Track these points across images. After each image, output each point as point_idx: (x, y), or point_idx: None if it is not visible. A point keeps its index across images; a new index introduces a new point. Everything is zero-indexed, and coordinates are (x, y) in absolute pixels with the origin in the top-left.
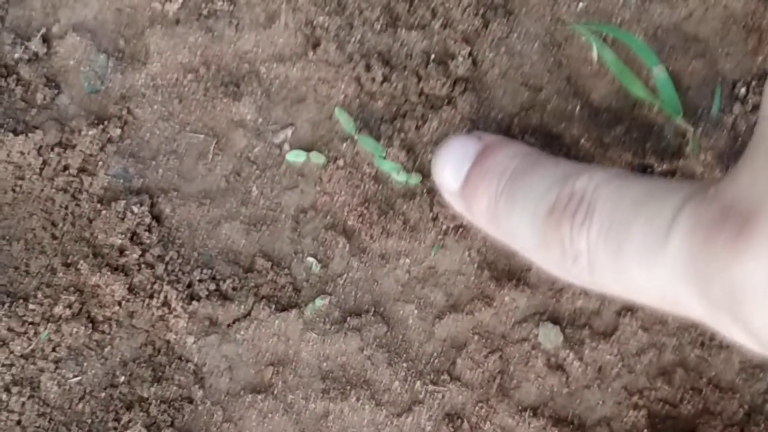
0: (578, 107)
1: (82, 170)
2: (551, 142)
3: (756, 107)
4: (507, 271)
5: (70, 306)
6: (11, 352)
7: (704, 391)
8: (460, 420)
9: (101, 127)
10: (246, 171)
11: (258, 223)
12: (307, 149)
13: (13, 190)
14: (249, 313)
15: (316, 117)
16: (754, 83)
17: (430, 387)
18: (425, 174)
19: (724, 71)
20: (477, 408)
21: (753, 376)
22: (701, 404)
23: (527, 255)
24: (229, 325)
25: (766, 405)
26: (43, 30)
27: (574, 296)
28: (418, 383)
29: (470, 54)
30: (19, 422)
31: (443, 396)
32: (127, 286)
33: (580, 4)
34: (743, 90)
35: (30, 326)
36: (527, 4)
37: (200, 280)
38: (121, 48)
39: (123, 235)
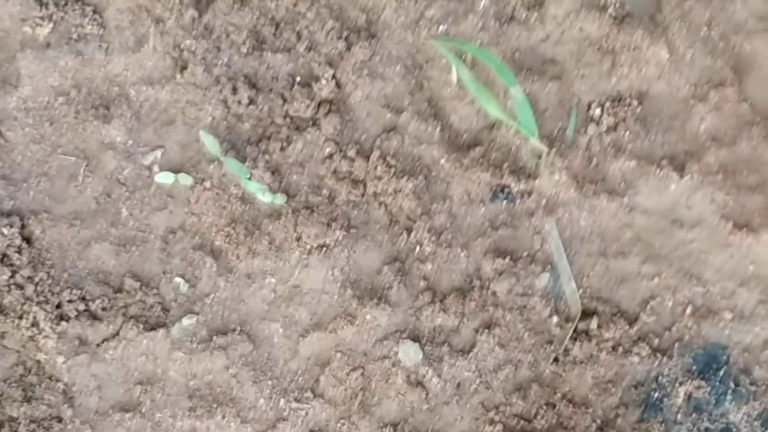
0: (438, 129)
1: None
2: (412, 164)
3: (611, 128)
4: (369, 289)
5: None
6: None
7: (558, 406)
8: None
9: None
10: (116, 192)
11: (127, 244)
12: (176, 171)
13: None
14: (118, 333)
15: (185, 139)
16: (608, 104)
17: (294, 404)
18: (290, 194)
19: (580, 93)
20: (339, 425)
21: (605, 391)
22: (555, 419)
23: None
24: (98, 345)
25: (618, 419)
26: None
27: (434, 314)
28: (283, 400)
29: (334, 76)
30: None
31: (306, 413)
32: None
33: (441, 27)
34: (598, 111)
35: None
36: (389, 28)
37: (70, 301)
38: None
39: None
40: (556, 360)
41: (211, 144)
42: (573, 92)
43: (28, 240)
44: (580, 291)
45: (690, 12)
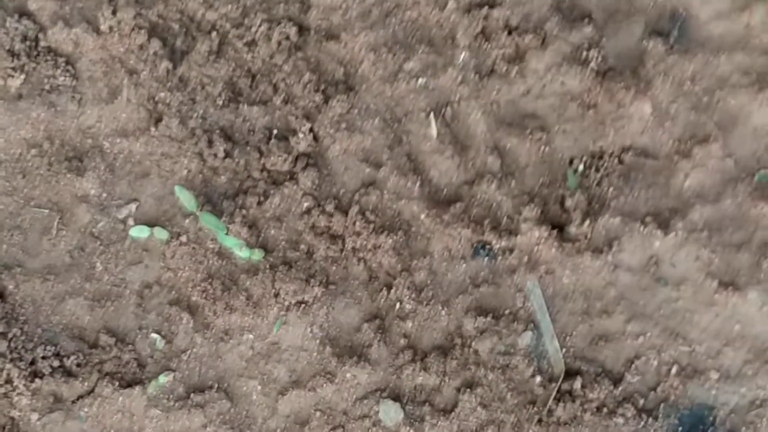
0: (418, 184)
1: None
2: (391, 219)
3: (593, 185)
4: (348, 347)
5: None
6: None
7: None
8: None
9: None
10: (90, 246)
11: (102, 299)
12: (151, 224)
13: None
14: (93, 390)
15: (160, 192)
16: (590, 160)
17: None
18: (268, 249)
19: (562, 148)
20: None
21: None
22: None
23: None
24: (73, 402)
25: None
26: None
27: (415, 373)
28: None
29: (311, 130)
30: None
31: None
32: None
33: (420, 80)
34: (581, 167)
35: None
36: (367, 81)
37: (44, 357)
38: None
39: None
40: (539, 421)
41: (186, 199)
42: (554, 147)
43: (1, 295)
44: (564, 350)
45: (673, 66)
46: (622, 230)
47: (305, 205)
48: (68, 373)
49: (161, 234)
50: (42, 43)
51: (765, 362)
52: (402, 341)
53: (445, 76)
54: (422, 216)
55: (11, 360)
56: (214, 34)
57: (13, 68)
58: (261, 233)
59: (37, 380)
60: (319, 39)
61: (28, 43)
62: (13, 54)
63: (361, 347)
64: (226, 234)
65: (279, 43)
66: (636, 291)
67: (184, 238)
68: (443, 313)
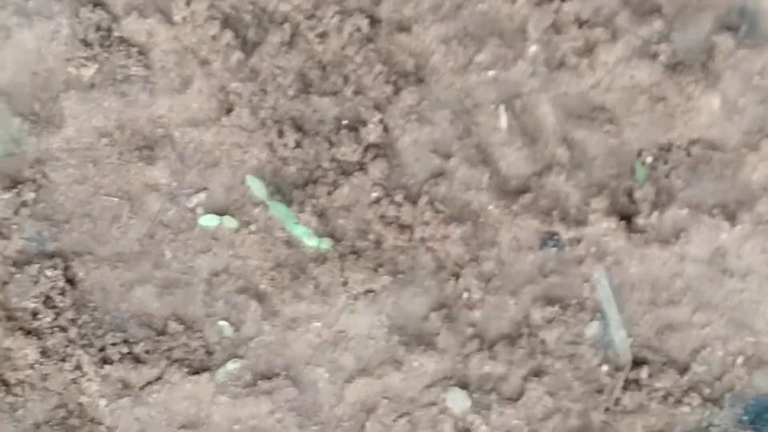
0: (487, 175)
1: None
2: (460, 210)
3: (662, 177)
4: (416, 335)
5: None
6: None
7: None
8: None
9: (15, 190)
10: (159, 234)
11: (171, 286)
12: (221, 213)
13: None
14: (161, 376)
15: (230, 181)
16: (659, 152)
17: None
18: (336, 238)
19: (630, 140)
20: None
21: None
22: None
23: None
24: (141, 388)
25: None
26: None
27: (482, 361)
28: None
29: (381, 121)
30: None
31: None
32: (40, 349)
33: (490, 73)
34: (649, 159)
35: None
36: (437, 73)
37: (113, 344)
38: (37, 111)
39: (36, 299)
40: (606, 409)
41: (257, 188)
42: (623, 140)
43: (71, 282)
44: (630, 340)
45: (742, 61)
46: (690, 222)
47: (374, 195)
48: (137, 360)
49: (230, 223)
50: (115, 33)
51: None
52: (469, 330)
53: (515, 68)
54: (491, 206)
55: (81, 346)
56: (286, 25)
57: (86, 58)
58: (330, 223)
59: (106, 366)
60: (391, 31)
61: (101, 33)
62: (86, 44)
63: (428, 336)
64: (296, 223)
65: (351, 35)
66: (702, 282)
67: (253, 227)
68: (511, 302)
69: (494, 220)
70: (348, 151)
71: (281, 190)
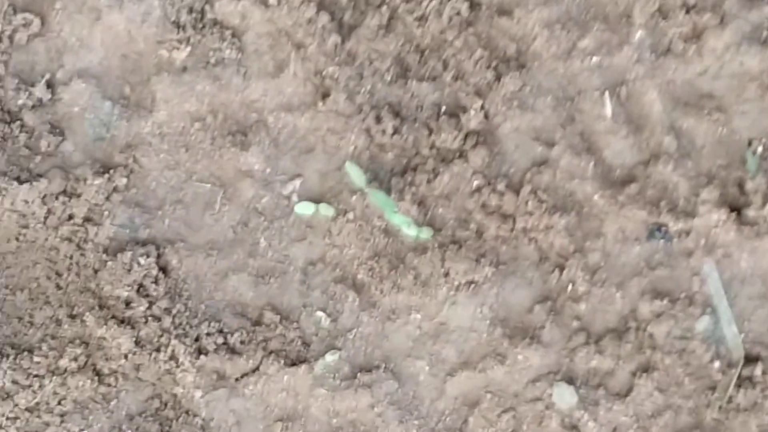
0: (591, 163)
1: (87, 220)
2: (564, 199)
3: None
4: (520, 328)
5: (75, 359)
6: (16, 405)
7: None
8: None
9: (107, 176)
10: (254, 222)
11: (266, 275)
12: (316, 201)
13: (17, 239)
14: (258, 368)
15: (325, 168)
16: None
17: None
18: (436, 228)
19: (740, 129)
20: None
21: None
22: None
23: None
24: (237, 380)
25: None
26: (48, 75)
27: (589, 356)
28: None
29: (482, 107)
30: None
31: None
32: (133, 338)
33: (594, 59)
34: (760, 149)
35: (35, 379)
36: (540, 58)
37: (208, 334)
38: (127, 95)
39: (129, 287)
40: (719, 407)
41: (356, 175)
42: (733, 129)
43: (164, 270)
44: (742, 335)
45: None
46: None
47: (475, 183)
48: (232, 351)
49: (327, 210)
50: (208, 16)
51: None
52: (575, 323)
53: (620, 54)
54: (596, 196)
55: (175, 336)
56: (384, 8)
57: (179, 41)
58: (429, 211)
59: (201, 357)
60: (491, 15)
61: (194, 15)
62: (178, 26)
63: (532, 329)
64: (395, 212)
65: (450, 19)
66: None
67: (350, 215)
68: (617, 295)
69: (599, 210)
70: (448, 138)
71: (379, 178)
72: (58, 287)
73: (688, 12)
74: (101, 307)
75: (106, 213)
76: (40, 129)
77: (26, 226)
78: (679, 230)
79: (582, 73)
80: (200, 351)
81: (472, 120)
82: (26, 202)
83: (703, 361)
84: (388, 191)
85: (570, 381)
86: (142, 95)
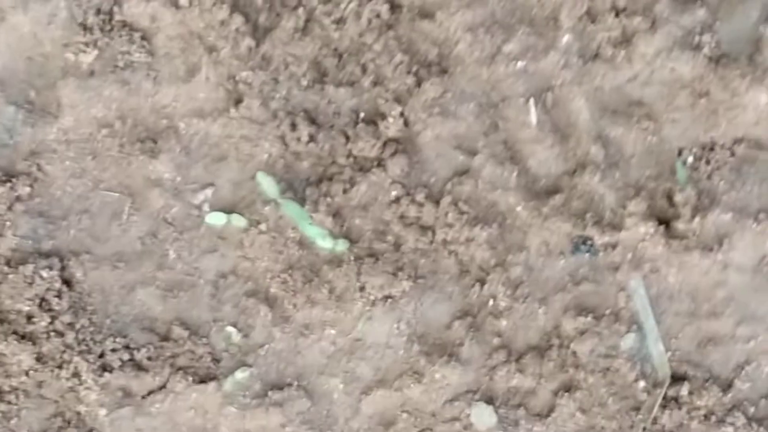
0: (515, 173)
1: None
2: (485, 211)
3: (703, 178)
4: (438, 345)
5: None
6: None
7: None
8: None
9: (9, 184)
10: (163, 232)
11: (175, 289)
12: (228, 211)
13: None
14: (165, 385)
15: (238, 176)
16: (700, 152)
17: None
18: (353, 240)
19: (670, 138)
20: None
21: None
22: None
23: None
24: (143, 397)
25: None
26: None
27: (509, 374)
28: None
29: (402, 114)
30: None
31: None
32: (35, 355)
33: (519, 63)
34: (690, 159)
35: None
36: (462, 63)
37: (113, 350)
38: (32, 100)
39: (31, 301)
40: (643, 429)
41: (268, 186)
42: (662, 138)
43: (68, 283)
44: (669, 354)
45: None
46: (734, 227)
47: (394, 193)
48: (138, 367)
49: (239, 221)
50: (117, 17)
51: None
52: (495, 340)
53: (546, 59)
54: (519, 208)
55: (79, 352)
56: (300, 10)
57: (86, 43)
58: (345, 223)
59: (105, 374)
60: (412, 17)
61: (101, 16)
62: (85, 28)
63: (451, 346)
64: (310, 223)
65: (369, 21)
66: (747, 292)
67: (263, 227)
68: (540, 311)
69: (522, 222)
70: (366, 146)
71: (293, 187)
72: None
73: (617, 15)
74: (2, 321)
75: (8, 223)
76: None
77: None
78: (604, 243)
79: (506, 79)
80: (105, 368)
81: (391, 127)
82: None
83: (627, 380)
84: (303, 201)
85: (489, 400)
86: (48, 100)
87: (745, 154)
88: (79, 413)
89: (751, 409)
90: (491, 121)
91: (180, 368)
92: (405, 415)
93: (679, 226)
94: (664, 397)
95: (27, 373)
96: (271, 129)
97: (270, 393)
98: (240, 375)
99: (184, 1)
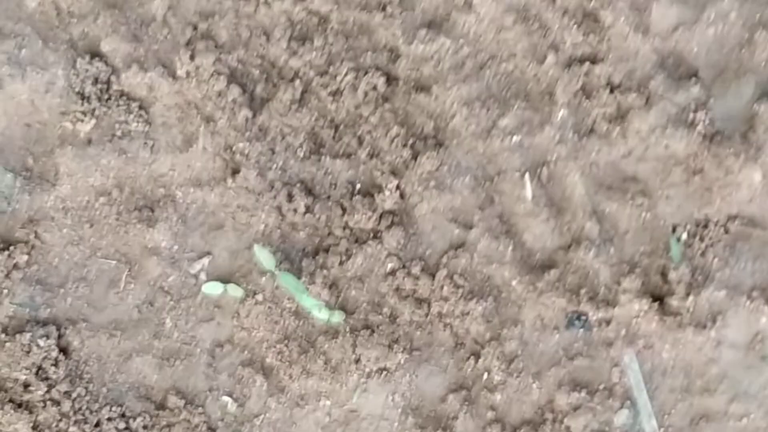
0: (510, 248)
1: None
2: (481, 284)
3: (697, 255)
4: (433, 418)
5: None
6: None
7: None
8: None
9: (7, 252)
10: (160, 301)
11: (171, 357)
12: (225, 280)
13: None
14: None
15: (235, 246)
16: (694, 229)
17: None
18: (348, 311)
19: (664, 214)
20: None
21: None
22: None
23: None
24: None
25: None
26: None
27: None
28: None
29: (398, 186)
30: None
31: None
32: (31, 424)
33: (515, 138)
34: (684, 235)
35: None
36: (458, 136)
37: (109, 419)
38: (30, 167)
39: (28, 370)
40: None
41: (265, 258)
42: (657, 214)
43: (65, 351)
44: (662, 430)
45: None
46: (727, 304)
47: (390, 266)
48: None
49: (235, 291)
50: (114, 87)
51: None
52: (489, 414)
53: (541, 134)
54: (514, 282)
55: (75, 422)
56: (297, 82)
57: (83, 112)
58: (341, 294)
59: None
60: (408, 90)
61: (99, 86)
62: (83, 97)
63: (445, 419)
64: (306, 295)
65: (366, 94)
66: (740, 369)
67: (259, 297)
68: (534, 386)
69: (517, 296)
70: (362, 218)
71: (290, 258)
72: None
73: (612, 92)
74: None
75: (5, 291)
76: None
77: None
78: (599, 319)
79: (502, 153)
80: None
81: (388, 200)
82: None
83: None
84: (299, 272)
85: None
86: (46, 167)
87: (739, 231)
88: None
89: None
90: (487, 194)
91: None
92: None
93: (673, 302)
94: None
95: None
96: (267, 199)
97: None
98: None
99: (182, 71)
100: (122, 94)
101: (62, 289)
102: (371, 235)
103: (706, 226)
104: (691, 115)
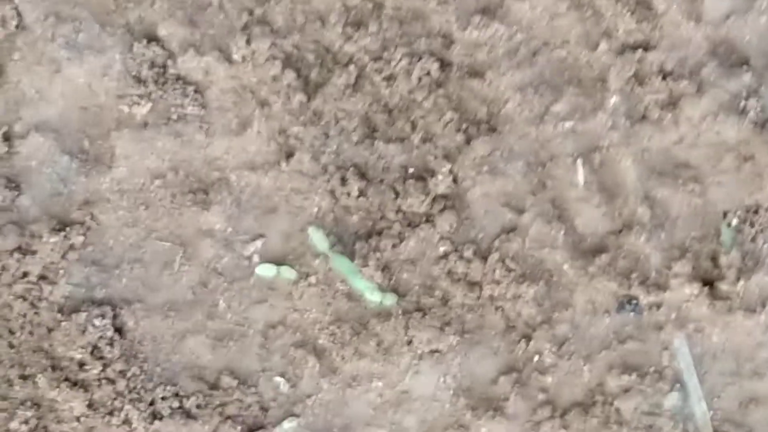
0: (562, 232)
1: (42, 278)
2: (533, 268)
3: (748, 240)
4: (484, 399)
5: (26, 421)
6: None
7: None
8: None
9: (63, 233)
10: (213, 282)
11: (225, 338)
12: (278, 262)
13: None
14: None
15: (289, 228)
16: (745, 214)
17: None
18: (401, 294)
19: (715, 200)
20: None
21: None
22: None
23: None
24: None
25: None
26: (5, 128)
27: (554, 429)
28: None
29: (451, 171)
30: None
31: None
32: (86, 402)
33: (567, 124)
34: (735, 221)
35: None
36: (512, 122)
37: (163, 398)
38: (86, 149)
39: (83, 349)
40: None
41: (319, 240)
42: (708, 200)
43: (120, 331)
44: (711, 413)
45: None
46: None
47: (442, 249)
48: (188, 415)
49: (289, 273)
50: (170, 71)
51: None
52: (540, 396)
53: (594, 120)
54: (565, 266)
55: (130, 400)
56: (351, 66)
57: (140, 96)
58: (394, 277)
59: (156, 422)
60: (462, 76)
61: (156, 70)
62: (139, 81)
63: (496, 400)
64: (359, 277)
65: (419, 79)
66: None
67: (312, 279)
68: (585, 368)
69: (569, 280)
70: (415, 202)
71: (343, 241)
72: (11, 346)
73: (664, 78)
74: (54, 368)
75: (61, 271)
76: None
77: None
78: (649, 303)
79: (554, 139)
80: (155, 415)
81: (440, 184)
82: None
83: None
84: (352, 255)
85: None
86: (102, 150)
87: None
88: None
89: None
90: (539, 179)
91: (228, 417)
92: None
93: (723, 287)
94: None
95: (78, 420)
96: (321, 183)
97: None
98: (288, 425)
99: (237, 56)
100: (178, 78)
101: (117, 270)
102: (424, 218)
103: (756, 212)
104: (743, 103)
